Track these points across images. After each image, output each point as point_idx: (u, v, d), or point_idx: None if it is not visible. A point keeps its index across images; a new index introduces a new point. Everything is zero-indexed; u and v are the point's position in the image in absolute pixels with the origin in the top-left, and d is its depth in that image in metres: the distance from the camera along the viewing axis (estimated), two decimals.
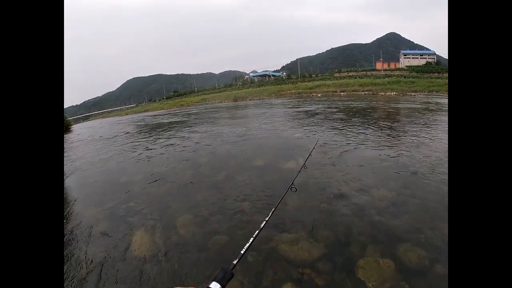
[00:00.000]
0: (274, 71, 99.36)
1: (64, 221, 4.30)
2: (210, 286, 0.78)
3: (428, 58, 69.23)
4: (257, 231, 1.28)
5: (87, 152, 10.32)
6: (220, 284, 0.79)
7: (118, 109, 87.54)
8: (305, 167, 2.94)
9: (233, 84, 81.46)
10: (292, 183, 2.10)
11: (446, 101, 19.54)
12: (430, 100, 20.45)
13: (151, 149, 9.23)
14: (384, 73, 54.32)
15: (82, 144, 12.96)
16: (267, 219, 1.45)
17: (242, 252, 1.07)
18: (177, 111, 30.34)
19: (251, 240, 1.18)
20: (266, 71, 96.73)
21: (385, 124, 10.28)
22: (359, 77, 50.95)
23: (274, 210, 1.60)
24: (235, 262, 0.99)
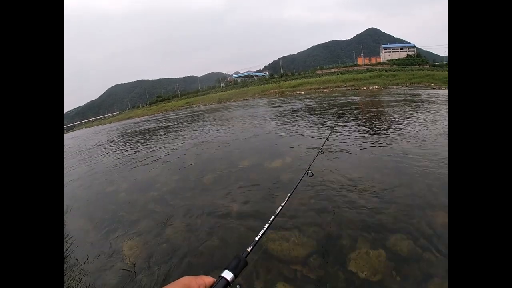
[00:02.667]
0: (257, 71, 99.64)
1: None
2: (222, 275, 0.72)
3: (408, 51, 71.09)
4: (273, 217, 1.20)
5: (69, 164, 10.10)
6: (233, 273, 0.73)
7: (101, 118, 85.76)
8: (322, 151, 2.84)
9: (216, 86, 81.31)
10: (309, 168, 2.04)
11: (420, 91, 20.06)
12: (408, 92, 20.91)
13: (137, 156, 9.07)
14: (365, 68, 55.38)
15: (67, 155, 12.64)
16: (283, 204, 1.39)
17: (256, 238, 0.99)
18: (161, 117, 29.86)
19: (266, 226, 1.10)
20: (249, 71, 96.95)
21: (374, 120, 10.48)
22: (341, 73, 51.71)
23: (291, 195, 1.53)
24: (249, 249, 0.91)
